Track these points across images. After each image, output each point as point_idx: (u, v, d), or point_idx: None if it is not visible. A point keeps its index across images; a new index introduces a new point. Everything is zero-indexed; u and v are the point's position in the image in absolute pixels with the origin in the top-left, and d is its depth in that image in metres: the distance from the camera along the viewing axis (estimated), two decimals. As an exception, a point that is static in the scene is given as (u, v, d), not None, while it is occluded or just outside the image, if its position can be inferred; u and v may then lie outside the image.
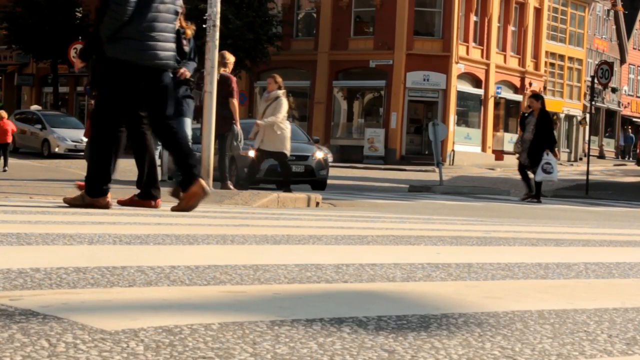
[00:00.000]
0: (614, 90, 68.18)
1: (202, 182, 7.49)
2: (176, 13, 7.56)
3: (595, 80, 28.42)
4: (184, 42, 11.03)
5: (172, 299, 2.96)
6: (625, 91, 74.56)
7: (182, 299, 2.97)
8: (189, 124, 12.04)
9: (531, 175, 18.63)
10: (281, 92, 16.49)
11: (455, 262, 4.41)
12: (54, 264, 3.55)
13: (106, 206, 7.43)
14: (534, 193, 18.58)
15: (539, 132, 18.07)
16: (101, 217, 6.44)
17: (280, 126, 16.36)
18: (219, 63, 14.88)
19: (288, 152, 16.70)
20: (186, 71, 11.23)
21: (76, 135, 36.73)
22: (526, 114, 18.67)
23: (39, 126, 39.76)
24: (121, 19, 7.12)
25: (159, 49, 7.29)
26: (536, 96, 19.50)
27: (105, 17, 7.18)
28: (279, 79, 16.83)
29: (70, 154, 37.11)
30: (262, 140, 16.42)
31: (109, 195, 7.51)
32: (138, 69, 7.25)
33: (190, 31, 11.17)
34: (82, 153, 38.33)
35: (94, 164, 7.48)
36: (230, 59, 15.02)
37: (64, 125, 39.75)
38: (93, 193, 7.41)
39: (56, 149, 38.10)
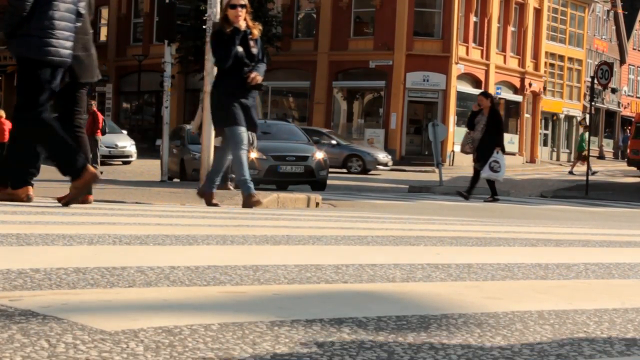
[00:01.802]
0: (613, 90, 68.21)
1: (91, 168, 7.56)
2: (78, 14, 7.60)
3: (595, 81, 28.43)
4: (251, 43, 10.23)
5: (172, 299, 2.96)
6: (625, 92, 74.58)
7: (182, 299, 2.97)
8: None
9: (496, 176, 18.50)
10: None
11: (455, 263, 4.41)
12: (54, 264, 3.55)
13: (26, 199, 7.55)
14: (462, 193, 18.62)
15: (489, 131, 17.99)
16: (101, 217, 6.44)
17: None
18: None
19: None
20: (257, 75, 10.16)
21: (110, 140, 35.06)
22: (476, 113, 18.49)
23: None
24: (20, 14, 7.21)
25: (60, 46, 7.37)
26: (485, 94, 19.44)
27: (5, 13, 7.31)
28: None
29: (105, 160, 34.53)
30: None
31: (30, 188, 7.65)
32: (40, 65, 7.36)
33: (257, 31, 10.34)
34: (120, 159, 37.53)
35: (14, 156, 7.64)
36: None
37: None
38: (14, 185, 7.57)
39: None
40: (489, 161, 18.00)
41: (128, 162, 37.39)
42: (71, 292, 2.98)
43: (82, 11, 7.71)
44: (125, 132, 39.64)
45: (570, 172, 41.82)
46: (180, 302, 2.91)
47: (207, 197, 10.52)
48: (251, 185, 10.18)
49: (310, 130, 36.96)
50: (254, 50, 10.21)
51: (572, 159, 51.59)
